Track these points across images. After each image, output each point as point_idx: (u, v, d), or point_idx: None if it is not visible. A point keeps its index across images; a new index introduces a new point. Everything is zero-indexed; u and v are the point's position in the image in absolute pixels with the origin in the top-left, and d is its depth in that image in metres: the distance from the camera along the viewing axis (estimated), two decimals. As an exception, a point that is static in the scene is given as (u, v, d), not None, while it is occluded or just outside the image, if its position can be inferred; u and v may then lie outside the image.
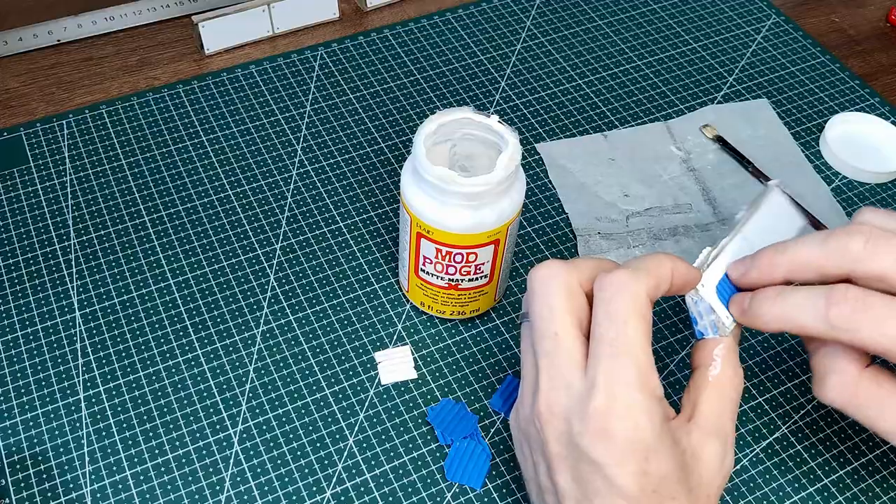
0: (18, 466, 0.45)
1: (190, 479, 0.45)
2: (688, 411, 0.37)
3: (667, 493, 0.34)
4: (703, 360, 0.38)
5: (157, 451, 0.46)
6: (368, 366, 0.50)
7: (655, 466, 0.34)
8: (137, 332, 0.50)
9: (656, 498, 0.34)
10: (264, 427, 0.47)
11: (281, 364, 0.50)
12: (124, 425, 0.47)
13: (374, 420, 0.48)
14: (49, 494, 0.44)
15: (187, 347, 0.50)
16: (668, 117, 0.64)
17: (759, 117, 0.65)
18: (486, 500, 0.45)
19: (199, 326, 0.51)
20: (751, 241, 0.40)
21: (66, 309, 0.51)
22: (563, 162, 0.61)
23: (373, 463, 0.46)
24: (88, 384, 0.48)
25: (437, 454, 0.47)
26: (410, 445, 0.47)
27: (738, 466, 0.47)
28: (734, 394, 0.37)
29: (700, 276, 0.38)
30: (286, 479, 0.45)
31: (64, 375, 0.48)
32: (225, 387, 0.48)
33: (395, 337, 0.51)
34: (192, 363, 0.49)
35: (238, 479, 0.45)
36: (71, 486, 0.44)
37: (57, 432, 0.46)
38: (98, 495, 0.44)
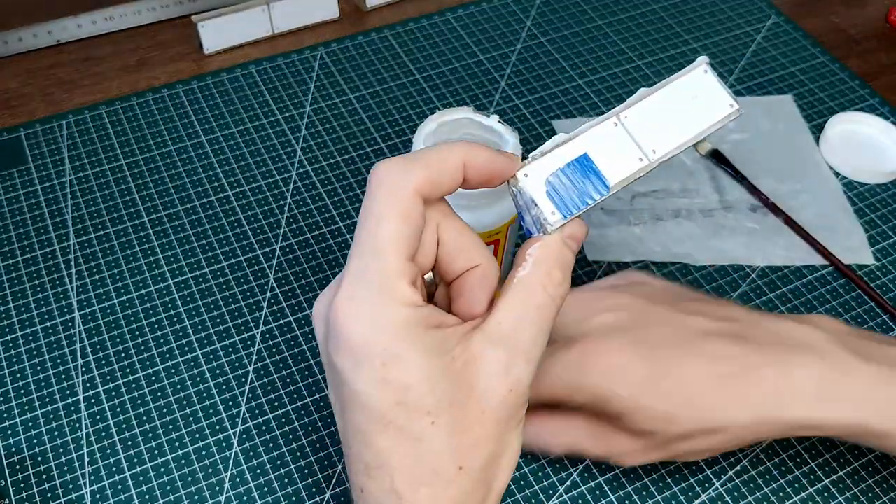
0: (18, 467, 0.45)
1: (189, 479, 0.45)
2: (482, 317, 0.32)
3: (417, 406, 0.30)
4: (517, 261, 0.33)
5: (156, 452, 0.46)
6: (368, 366, 0.50)
7: (397, 375, 0.29)
8: (137, 333, 0.50)
9: (403, 412, 0.30)
10: (264, 428, 0.47)
11: (281, 365, 0.50)
12: (124, 426, 0.47)
13: (374, 420, 0.48)
14: (49, 495, 0.44)
15: (187, 348, 0.50)
16: (668, 117, 0.64)
17: (780, 112, 0.65)
18: (485, 500, 0.45)
19: (199, 327, 0.51)
20: (640, 124, 0.35)
21: (66, 309, 0.51)
22: None
23: (373, 463, 0.46)
24: (88, 385, 0.48)
25: (437, 455, 0.47)
26: (410, 446, 0.47)
27: (738, 466, 0.47)
28: (545, 300, 0.32)
29: (512, 165, 0.33)
30: (286, 480, 0.45)
31: (64, 376, 0.48)
32: (224, 387, 0.48)
33: (394, 337, 0.51)
34: (192, 364, 0.49)
35: (238, 479, 0.45)
36: (70, 486, 0.44)
37: (57, 433, 0.46)
38: (98, 496, 0.44)
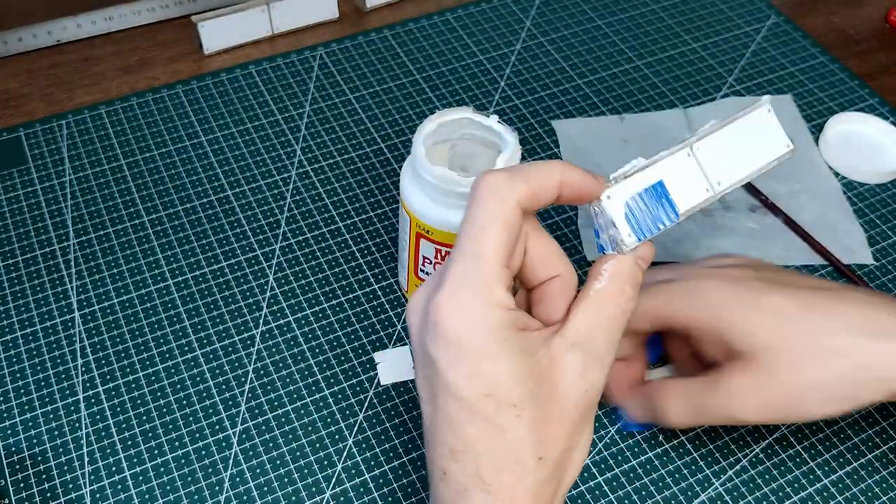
0: (18, 466, 0.45)
1: (189, 479, 0.45)
2: (560, 324, 0.35)
3: (505, 399, 0.32)
4: (592, 274, 0.36)
5: (156, 452, 0.46)
6: (368, 366, 0.50)
7: (489, 369, 0.32)
8: (137, 333, 0.50)
9: (491, 402, 0.32)
10: (264, 428, 0.47)
11: (280, 364, 0.50)
12: (124, 426, 0.47)
13: (374, 421, 0.48)
14: (49, 495, 0.44)
15: (186, 348, 0.50)
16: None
17: (779, 112, 0.65)
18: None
19: (199, 327, 0.51)
20: (709, 156, 0.37)
21: (66, 309, 0.51)
22: (577, 140, 0.62)
23: (372, 463, 0.46)
24: (88, 384, 0.48)
25: (437, 454, 0.47)
26: (410, 446, 0.47)
27: (737, 466, 0.47)
28: (616, 311, 0.35)
29: (600, 186, 0.36)
30: (286, 480, 0.45)
31: (63, 376, 0.48)
32: (224, 387, 0.48)
33: (394, 337, 0.51)
34: (192, 363, 0.49)
35: (237, 479, 0.45)
36: (70, 486, 0.44)
37: (56, 432, 0.46)
38: (97, 496, 0.44)
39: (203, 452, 0.46)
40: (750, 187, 0.59)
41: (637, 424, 0.47)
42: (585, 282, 0.36)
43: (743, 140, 0.37)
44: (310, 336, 0.51)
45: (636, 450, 0.47)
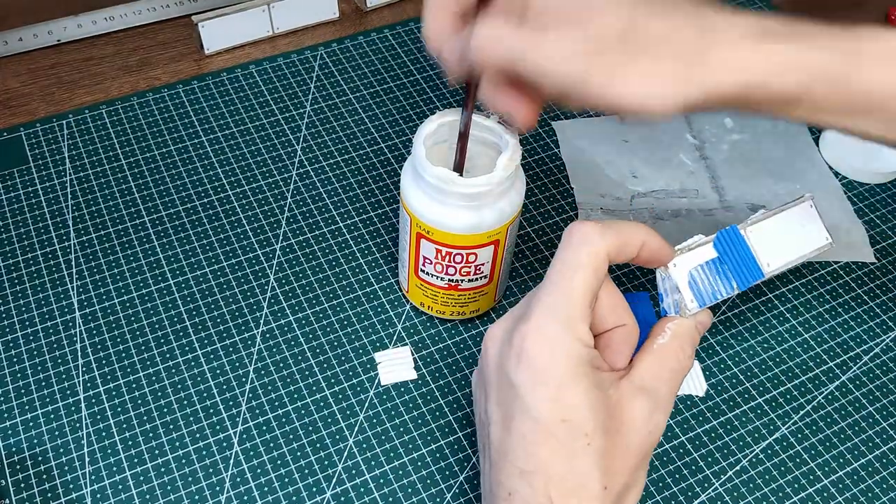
0: (18, 467, 0.45)
1: (190, 479, 0.45)
2: (626, 370, 0.38)
3: (579, 426, 0.34)
4: (656, 331, 0.39)
5: (157, 452, 0.46)
6: (368, 366, 0.50)
7: (568, 398, 0.34)
8: (137, 333, 0.50)
9: (567, 428, 0.34)
10: (264, 428, 0.47)
11: (281, 365, 0.50)
12: (124, 426, 0.47)
13: (374, 421, 0.48)
14: (49, 495, 0.44)
15: (187, 348, 0.50)
16: (668, 117, 0.64)
17: None
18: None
19: (199, 327, 0.51)
20: (760, 239, 0.42)
21: (66, 309, 0.51)
22: (577, 141, 0.62)
23: (373, 463, 0.46)
24: (88, 385, 0.48)
25: (437, 454, 0.47)
26: (410, 446, 0.47)
27: (737, 467, 0.47)
28: (676, 365, 0.38)
29: (672, 254, 0.39)
30: (286, 480, 0.45)
31: (64, 376, 0.48)
32: (225, 387, 0.49)
33: (394, 337, 0.51)
34: (192, 364, 0.49)
35: (238, 479, 0.45)
36: (71, 486, 0.44)
37: (57, 433, 0.46)
38: (98, 496, 0.44)
39: (204, 452, 0.46)
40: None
41: None
42: (648, 337, 0.39)
43: (788, 228, 0.42)
44: (310, 336, 0.51)
45: (636, 450, 0.47)
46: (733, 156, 0.61)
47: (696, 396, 0.50)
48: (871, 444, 0.48)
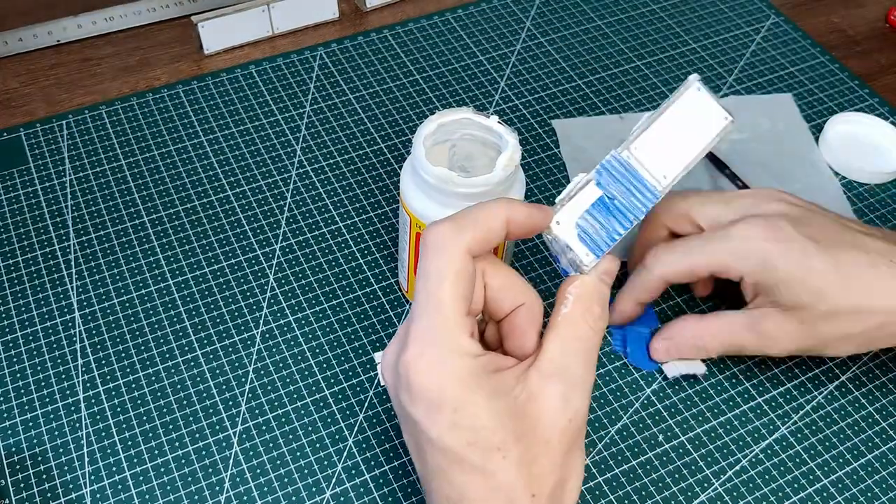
0: (18, 467, 0.45)
1: (189, 479, 0.45)
2: (534, 355, 0.36)
3: (488, 444, 0.33)
4: (558, 299, 0.36)
5: (156, 452, 0.46)
6: (368, 366, 0.50)
7: (467, 419, 0.33)
8: (137, 333, 0.50)
9: (476, 450, 0.33)
10: (264, 428, 0.47)
11: (280, 365, 0.50)
12: (124, 426, 0.47)
13: (374, 421, 0.48)
14: (49, 495, 0.44)
15: (187, 348, 0.50)
16: (668, 117, 0.64)
17: (780, 111, 0.65)
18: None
19: (199, 327, 0.51)
20: (649, 153, 0.37)
21: (66, 309, 0.51)
22: (577, 140, 0.62)
23: (373, 463, 0.46)
24: (88, 385, 0.48)
25: (437, 455, 0.47)
26: (410, 446, 0.47)
27: (737, 466, 0.47)
28: (587, 332, 0.36)
29: (547, 216, 0.36)
30: (286, 480, 0.45)
31: (64, 376, 0.48)
32: (224, 387, 0.49)
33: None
34: (192, 364, 0.49)
35: (238, 479, 0.45)
36: (70, 486, 0.44)
37: (57, 433, 0.46)
38: (98, 496, 0.44)
39: (203, 452, 0.46)
40: (715, 160, 0.59)
41: (650, 362, 0.49)
42: (553, 308, 0.36)
43: (680, 126, 0.37)
44: (310, 336, 0.51)
45: (636, 450, 0.47)
46: (733, 155, 0.61)
47: (699, 375, 0.50)
48: (870, 445, 0.48)
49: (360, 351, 0.50)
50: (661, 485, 0.46)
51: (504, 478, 0.33)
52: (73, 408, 0.47)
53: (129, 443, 0.46)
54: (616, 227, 0.36)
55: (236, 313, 0.52)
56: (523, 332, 0.36)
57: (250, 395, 0.48)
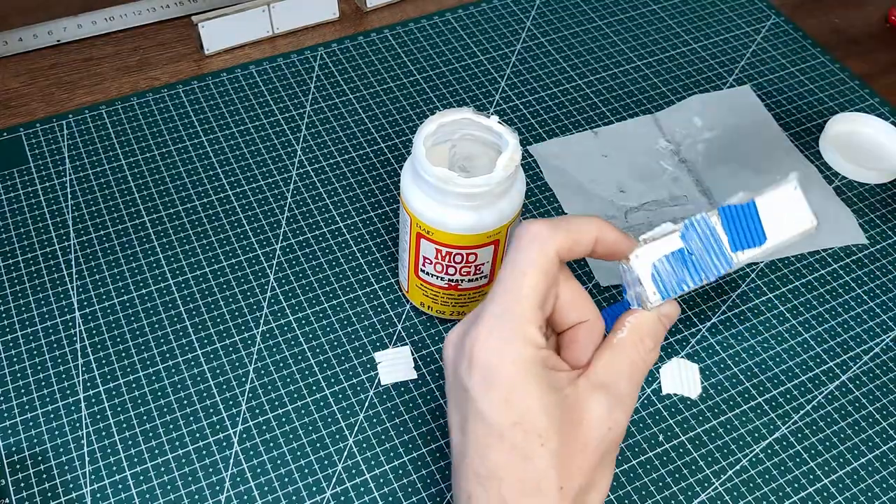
0: (18, 466, 0.45)
1: (190, 479, 0.45)
2: (585, 367, 0.37)
3: (532, 429, 0.34)
4: (617, 325, 0.38)
5: (156, 452, 0.46)
6: (368, 366, 0.50)
7: (519, 399, 0.34)
8: (137, 333, 0.50)
9: (519, 432, 0.34)
10: (264, 427, 0.47)
11: (281, 364, 0.50)
12: (124, 425, 0.47)
13: (374, 420, 0.48)
14: (49, 494, 0.44)
15: (187, 348, 0.50)
16: (668, 117, 0.65)
17: (744, 105, 0.65)
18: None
19: (199, 327, 0.51)
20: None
21: (66, 309, 0.51)
22: (557, 162, 0.61)
23: (373, 463, 0.46)
24: (88, 384, 0.48)
25: (437, 454, 0.47)
26: (410, 446, 0.47)
27: (737, 466, 0.47)
28: (636, 358, 0.37)
29: (631, 246, 0.38)
30: (286, 480, 0.45)
31: (64, 375, 0.48)
32: (225, 387, 0.49)
33: (395, 337, 0.51)
34: (192, 363, 0.49)
35: (238, 479, 0.45)
36: (71, 486, 0.44)
37: (57, 432, 0.46)
38: (98, 495, 0.44)
39: (203, 452, 0.46)
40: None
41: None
42: (610, 332, 0.38)
43: (768, 213, 0.39)
44: (310, 336, 0.51)
45: (636, 450, 0.47)
46: (710, 154, 0.61)
47: (692, 398, 0.50)
48: (871, 444, 0.48)
49: (360, 351, 0.50)
50: (661, 485, 0.46)
51: (539, 464, 0.34)
52: (73, 407, 0.47)
53: (130, 442, 0.46)
54: (687, 278, 0.38)
55: (236, 313, 0.52)
56: (582, 346, 0.38)
57: (250, 395, 0.48)
